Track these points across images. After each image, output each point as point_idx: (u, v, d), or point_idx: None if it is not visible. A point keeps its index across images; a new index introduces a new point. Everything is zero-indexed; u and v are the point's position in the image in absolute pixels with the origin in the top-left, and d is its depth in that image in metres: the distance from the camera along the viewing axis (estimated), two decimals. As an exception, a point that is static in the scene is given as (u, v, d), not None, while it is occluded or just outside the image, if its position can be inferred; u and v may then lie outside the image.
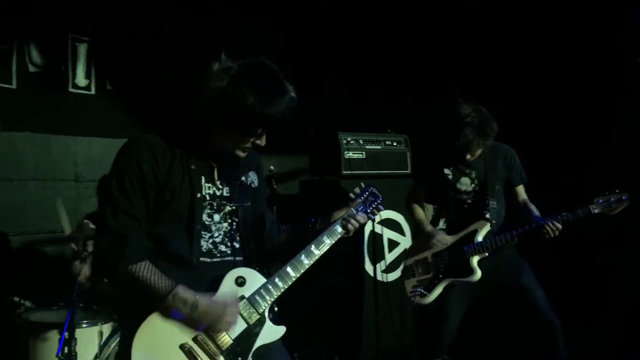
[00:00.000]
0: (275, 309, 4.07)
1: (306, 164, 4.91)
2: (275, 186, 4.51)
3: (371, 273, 4.42)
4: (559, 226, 3.31)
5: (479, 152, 3.52)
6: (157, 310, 2.05)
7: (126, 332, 2.07)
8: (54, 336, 3.27)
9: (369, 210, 2.44)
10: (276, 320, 2.25)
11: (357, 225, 2.34)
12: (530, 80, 4.68)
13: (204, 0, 4.71)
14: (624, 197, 3.28)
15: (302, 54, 5.06)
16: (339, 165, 4.48)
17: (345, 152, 4.50)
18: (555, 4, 4.51)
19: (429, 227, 3.68)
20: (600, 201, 3.31)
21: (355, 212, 2.40)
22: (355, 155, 4.54)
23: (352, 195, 2.45)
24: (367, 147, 4.62)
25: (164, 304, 2.03)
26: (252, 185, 2.33)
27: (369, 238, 4.46)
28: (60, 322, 3.24)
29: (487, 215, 3.55)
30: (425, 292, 3.54)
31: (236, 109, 2.02)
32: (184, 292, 2.05)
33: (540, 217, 3.44)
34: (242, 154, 2.18)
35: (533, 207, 3.58)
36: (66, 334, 3.16)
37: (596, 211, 3.30)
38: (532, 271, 3.54)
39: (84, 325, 3.33)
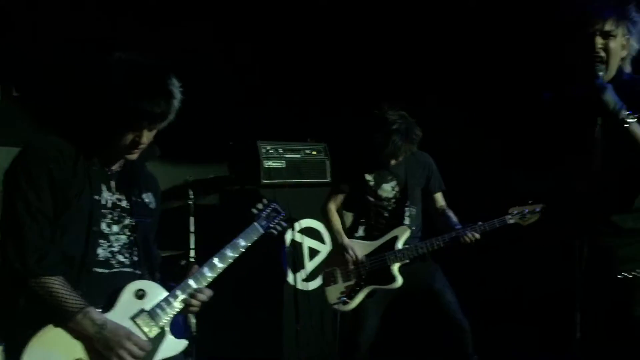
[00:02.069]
0: (193, 320, 4.01)
1: (225, 174, 4.86)
2: (192, 196, 4.43)
3: (292, 282, 4.41)
4: (477, 236, 3.45)
5: (401, 159, 3.59)
6: (53, 324, 1.99)
7: (13, 347, 1.98)
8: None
9: (271, 226, 2.51)
10: (180, 334, 2.22)
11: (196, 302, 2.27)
12: (446, 85, 4.82)
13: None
14: (537, 209, 3.43)
15: (221, 60, 5.01)
16: (258, 175, 4.46)
17: (265, 161, 4.49)
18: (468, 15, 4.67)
19: (345, 240, 3.67)
20: (515, 212, 3.45)
21: (259, 227, 2.47)
22: (275, 164, 4.53)
23: (254, 211, 2.50)
24: (286, 155, 4.62)
25: (71, 321, 1.98)
26: (150, 206, 2.31)
27: (289, 247, 4.45)
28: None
29: (406, 222, 3.62)
30: (347, 300, 3.55)
31: (103, 100, 2.02)
32: (94, 312, 2.02)
33: (459, 225, 3.56)
34: (130, 156, 2.14)
35: (451, 214, 3.70)
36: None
37: (511, 221, 3.44)
38: (444, 276, 3.64)
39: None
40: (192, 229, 4.43)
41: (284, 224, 2.56)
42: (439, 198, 3.79)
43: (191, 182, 4.47)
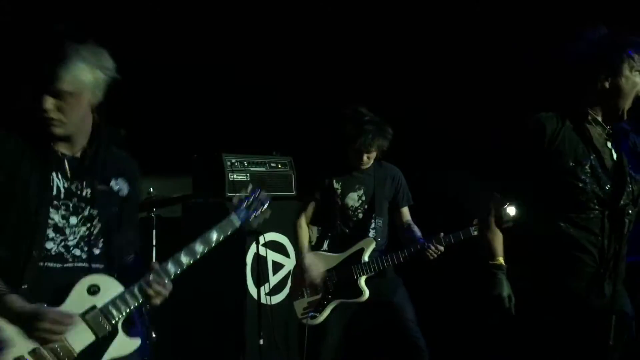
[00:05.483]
0: (153, 335, 3.93)
1: (189, 187, 4.81)
2: (154, 209, 4.37)
3: (255, 296, 4.37)
4: (442, 248, 3.49)
5: (372, 157, 3.57)
6: None
7: None
8: None
9: (250, 218, 2.26)
10: (133, 333, 2.09)
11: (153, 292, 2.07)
12: (414, 96, 4.86)
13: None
14: None
15: (185, 73, 4.98)
16: (223, 187, 4.43)
17: (230, 174, 4.46)
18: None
19: (305, 261, 3.62)
20: None
21: (237, 219, 2.23)
22: (240, 177, 4.52)
23: (234, 201, 2.27)
24: (251, 169, 4.61)
25: None
26: (120, 193, 2.14)
27: (252, 260, 4.42)
28: None
29: (372, 234, 3.62)
30: (316, 314, 3.53)
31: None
32: (15, 299, 1.90)
33: (423, 239, 3.57)
34: (48, 129, 1.97)
35: (416, 228, 3.72)
36: None
37: (475, 233, 3.44)
38: (406, 291, 3.65)
39: None
40: (154, 242, 4.36)
41: (267, 215, 2.30)
42: (406, 212, 3.80)
43: (154, 196, 4.40)
